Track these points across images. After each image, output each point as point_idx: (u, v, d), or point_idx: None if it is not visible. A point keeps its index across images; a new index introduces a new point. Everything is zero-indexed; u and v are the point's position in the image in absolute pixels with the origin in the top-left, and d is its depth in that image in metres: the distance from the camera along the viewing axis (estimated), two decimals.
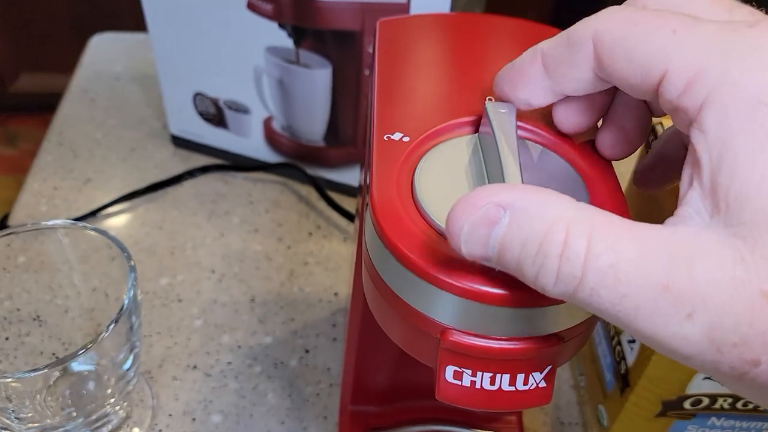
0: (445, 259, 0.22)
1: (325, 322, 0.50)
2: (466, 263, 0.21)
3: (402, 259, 0.22)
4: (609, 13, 0.21)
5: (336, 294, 0.52)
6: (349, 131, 0.55)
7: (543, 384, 0.23)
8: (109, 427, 0.42)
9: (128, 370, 0.40)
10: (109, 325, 0.35)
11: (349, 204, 0.57)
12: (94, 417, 0.40)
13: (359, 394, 0.40)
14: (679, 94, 0.19)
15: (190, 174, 0.60)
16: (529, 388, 0.23)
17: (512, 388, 0.23)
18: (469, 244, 0.20)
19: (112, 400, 0.41)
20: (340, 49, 0.50)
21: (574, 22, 0.22)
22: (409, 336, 0.24)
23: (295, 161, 0.59)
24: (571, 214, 0.18)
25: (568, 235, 0.18)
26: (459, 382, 0.23)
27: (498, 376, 0.23)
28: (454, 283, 0.21)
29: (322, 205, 0.59)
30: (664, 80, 0.20)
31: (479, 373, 0.23)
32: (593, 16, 0.22)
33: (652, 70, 0.20)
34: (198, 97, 0.58)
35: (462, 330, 0.23)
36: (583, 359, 0.47)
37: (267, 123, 0.57)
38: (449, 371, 0.23)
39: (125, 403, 0.43)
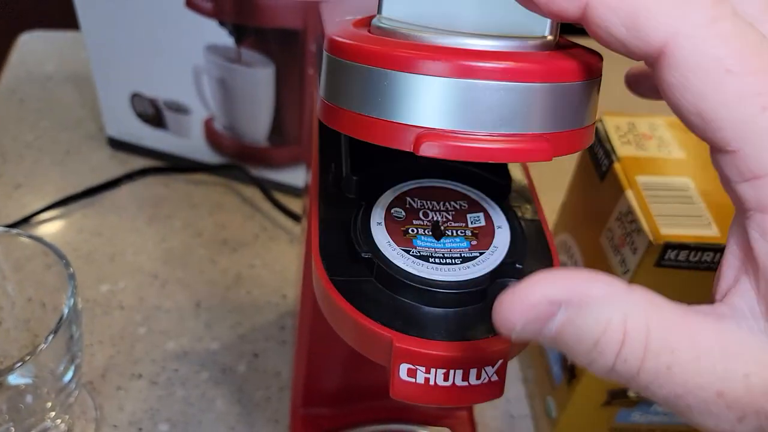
0: None
1: (273, 325, 0.49)
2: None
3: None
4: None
5: (284, 296, 0.51)
6: (293, 131, 0.54)
7: (495, 378, 0.23)
8: None
9: (69, 382, 0.39)
10: (48, 336, 0.34)
11: (295, 205, 0.57)
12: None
13: (310, 397, 0.40)
14: (743, 180, 0.18)
15: (129, 177, 0.58)
16: (482, 383, 0.23)
17: (465, 383, 0.23)
18: (521, 336, 0.19)
19: (53, 413, 0.39)
20: (283, 47, 0.50)
21: None
22: (362, 338, 0.24)
23: (238, 162, 0.58)
24: (627, 310, 0.18)
25: (626, 336, 0.18)
26: (413, 380, 0.23)
27: (451, 372, 0.23)
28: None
29: (267, 206, 0.58)
30: (733, 155, 0.18)
31: (433, 370, 0.23)
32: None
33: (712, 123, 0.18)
34: (135, 97, 0.56)
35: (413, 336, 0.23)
36: (531, 353, 0.48)
37: (208, 123, 0.56)
38: (403, 369, 0.23)
39: (66, 416, 0.41)
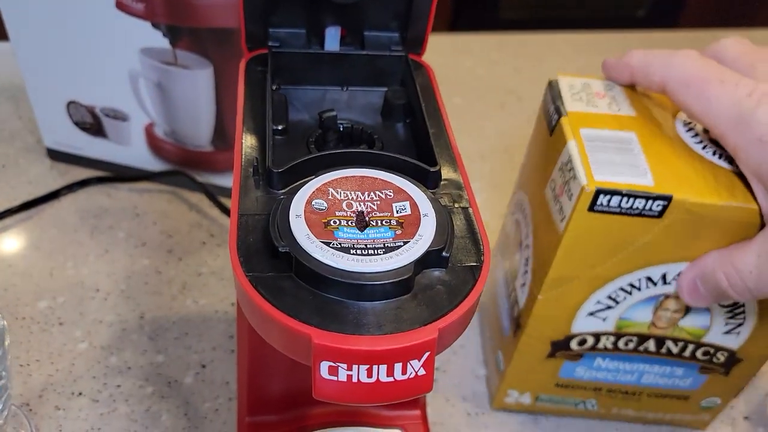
0: None
1: (221, 334, 0.47)
2: None
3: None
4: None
5: (233, 304, 0.50)
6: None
7: (422, 372, 0.22)
8: None
9: None
10: None
11: None
12: None
13: (256, 405, 0.38)
14: None
15: (69, 189, 0.56)
16: (408, 377, 0.22)
17: (390, 379, 0.22)
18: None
19: None
20: (220, 47, 0.48)
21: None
22: (282, 336, 0.23)
23: (182, 168, 0.56)
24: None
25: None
26: (335, 378, 0.22)
27: (375, 367, 0.22)
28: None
29: (214, 212, 0.56)
30: None
31: (355, 367, 0.22)
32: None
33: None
34: (72, 105, 0.54)
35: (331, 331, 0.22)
36: (486, 312, 0.48)
37: (149, 130, 0.54)
38: (324, 368, 0.22)
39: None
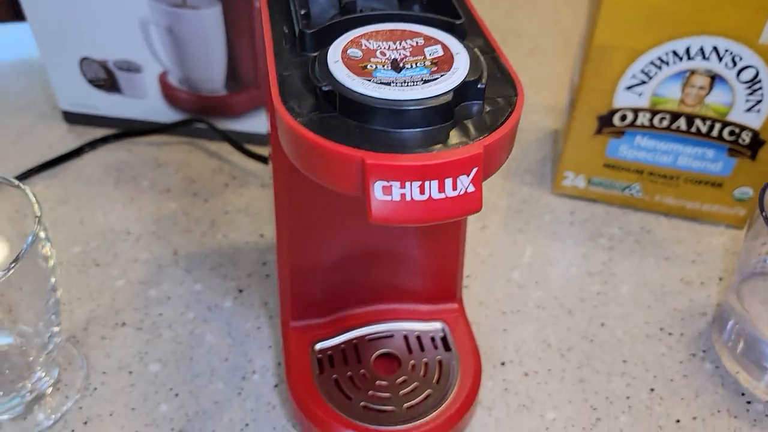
0: None
1: (254, 262, 0.48)
2: None
3: None
4: None
5: (262, 235, 0.50)
6: (249, 72, 0.54)
7: (471, 188, 0.23)
8: (37, 395, 0.39)
9: (48, 333, 0.37)
10: (11, 264, 0.32)
11: (262, 151, 0.56)
12: (19, 389, 0.38)
13: (299, 309, 0.39)
14: None
15: (91, 146, 0.57)
16: (458, 194, 0.23)
17: (442, 195, 0.23)
18: None
19: (38, 369, 0.38)
20: None
21: None
22: (334, 167, 0.24)
23: (198, 116, 0.57)
24: None
25: None
26: (389, 197, 0.23)
27: (427, 183, 0.23)
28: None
29: (234, 157, 0.57)
30: None
31: (408, 184, 0.23)
32: None
33: None
34: (85, 62, 0.55)
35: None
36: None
37: (162, 79, 0.55)
38: (378, 188, 0.23)
39: (53, 370, 0.40)
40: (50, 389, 0.39)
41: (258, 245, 0.50)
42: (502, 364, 0.42)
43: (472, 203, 0.23)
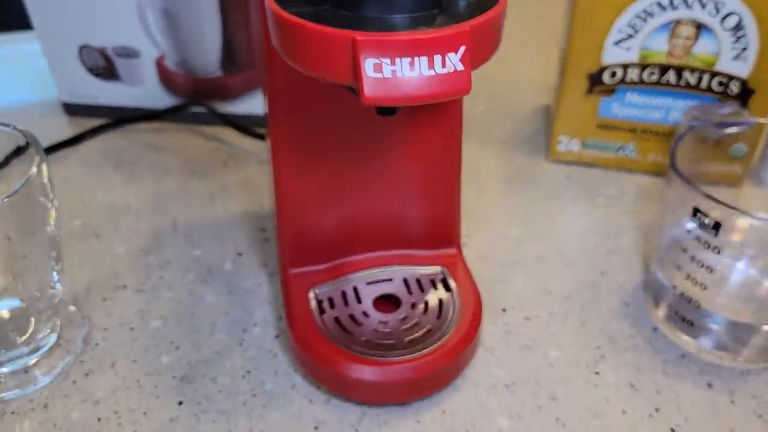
0: None
1: (254, 228, 0.49)
2: None
3: None
4: None
5: (261, 204, 0.51)
6: (244, 53, 0.55)
7: (460, 66, 0.24)
8: (40, 353, 0.39)
9: (52, 295, 0.38)
10: (3, 198, 0.33)
11: (259, 131, 0.57)
12: (22, 346, 0.38)
13: (298, 256, 0.39)
14: None
15: (90, 134, 0.58)
16: (447, 72, 0.24)
17: (432, 72, 0.24)
18: None
19: (41, 327, 0.38)
20: None
21: None
22: (325, 50, 0.24)
23: (195, 100, 0.58)
24: None
25: None
26: (380, 74, 0.23)
27: (416, 60, 0.23)
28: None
29: (232, 138, 0.58)
30: None
31: (398, 60, 0.23)
32: None
33: None
34: (84, 50, 0.56)
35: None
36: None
37: (160, 63, 0.56)
38: (369, 65, 0.23)
39: (55, 328, 0.40)
40: (52, 346, 0.39)
41: (257, 214, 0.50)
42: (503, 310, 0.42)
43: (461, 82, 0.24)
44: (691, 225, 0.35)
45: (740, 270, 0.36)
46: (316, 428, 0.36)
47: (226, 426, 0.36)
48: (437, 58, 0.24)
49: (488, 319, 0.41)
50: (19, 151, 0.38)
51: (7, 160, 0.38)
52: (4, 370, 0.38)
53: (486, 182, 0.53)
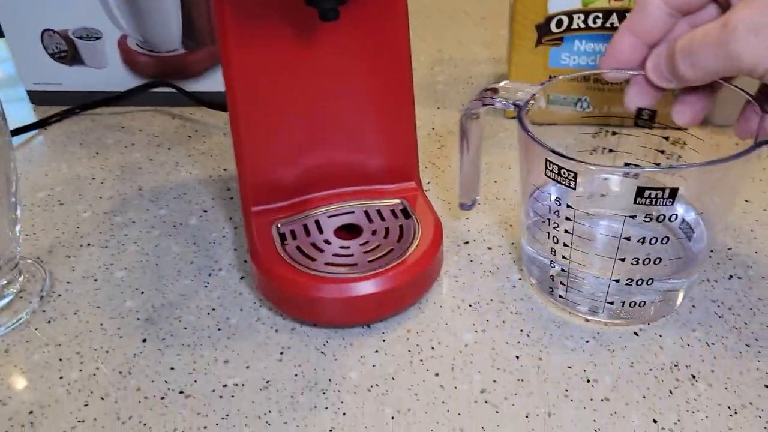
0: None
1: (219, 188, 0.49)
2: None
3: None
4: None
5: (225, 169, 0.51)
6: (205, 28, 0.56)
7: None
8: (0, 304, 0.38)
9: (9, 246, 0.38)
10: None
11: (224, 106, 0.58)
12: None
13: (259, 194, 0.40)
14: None
15: (56, 118, 0.58)
16: None
17: None
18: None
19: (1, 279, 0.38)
20: None
21: None
22: None
23: (159, 79, 0.59)
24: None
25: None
26: None
27: None
28: None
29: (197, 115, 0.59)
30: None
31: None
32: None
33: None
34: (46, 34, 0.57)
35: None
36: None
37: (122, 44, 0.57)
38: None
39: (16, 280, 0.39)
40: (13, 298, 0.39)
41: (222, 177, 0.50)
42: (466, 242, 0.43)
43: None
44: (551, 186, 0.34)
45: (605, 226, 0.34)
46: (281, 353, 0.35)
47: (190, 358, 0.35)
48: None
49: (452, 251, 0.42)
50: None
51: None
52: None
53: (446, 139, 0.54)
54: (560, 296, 0.37)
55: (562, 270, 0.36)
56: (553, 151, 0.32)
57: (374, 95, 0.39)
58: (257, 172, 0.39)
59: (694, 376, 0.33)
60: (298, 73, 0.37)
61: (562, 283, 0.36)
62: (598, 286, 0.35)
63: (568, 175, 0.32)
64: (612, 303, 0.35)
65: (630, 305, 0.35)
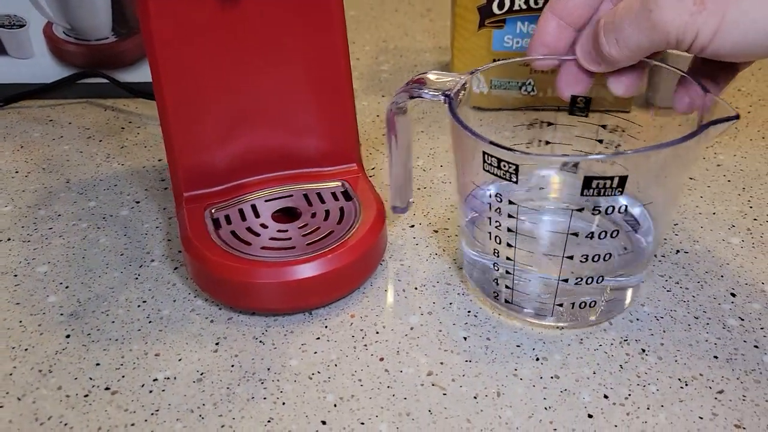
0: None
1: (152, 179, 0.47)
2: None
3: None
4: None
5: (160, 160, 0.49)
6: (135, 14, 0.53)
7: None
8: None
9: None
10: None
11: None
12: None
13: (191, 178, 0.37)
14: None
15: None
16: None
17: None
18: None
19: None
20: None
21: None
22: None
23: (89, 69, 0.56)
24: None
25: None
26: None
27: None
28: None
29: (131, 106, 0.56)
30: None
31: None
32: None
33: None
34: None
35: None
36: None
37: (48, 32, 0.54)
38: None
39: None
40: None
41: (156, 167, 0.48)
42: (411, 226, 0.41)
43: None
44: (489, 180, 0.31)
45: (550, 221, 0.33)
46: (217, 344, 0.33)
47: (118, 352, 0.33)
48: None
49: (397, 234, 0.40)
50: None
51: None
52: None
53: None
54: (506, 300, 0.34)
55: (506, 272, 0.33)
56: (491, 143, 0.29)
57: (308, 74, 0.37)
58: (187, 155, 0.37)
59: (644, 350, 0.32)
60: (226, 51, 0.35)
61: (507, 287, 0.34)
62: (545, 287, 0.33)
63: (509, 168, 0.29)
64: (561, 305, 0.33)
65: (580, 306, 0.33)
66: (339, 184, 0.39)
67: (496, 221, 0.32)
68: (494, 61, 0.52)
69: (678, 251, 0.39)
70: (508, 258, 0.32)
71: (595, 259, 0.31)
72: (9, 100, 0.56)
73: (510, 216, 0.31)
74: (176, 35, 0.34)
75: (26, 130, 0.53)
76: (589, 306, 0.33)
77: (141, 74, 0.56)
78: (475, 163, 0.30)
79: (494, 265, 0.34)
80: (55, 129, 0.53)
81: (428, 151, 0.49)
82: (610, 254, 0.31)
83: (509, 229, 0.32)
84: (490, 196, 0.32)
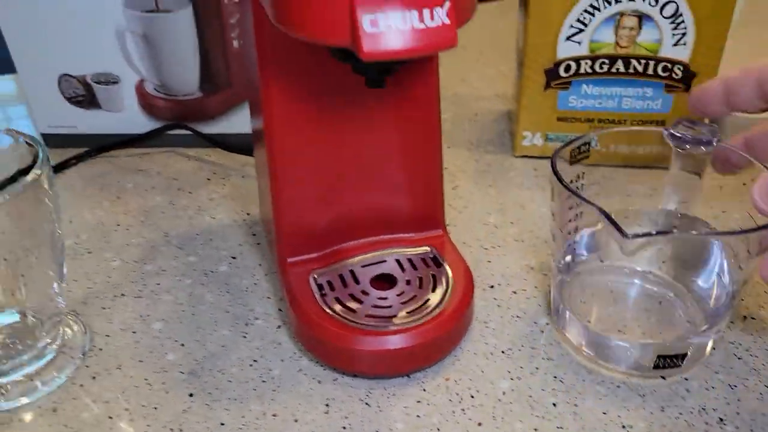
0: None
1: (244, 234, 0.50)
2: None
3: None
4: None
5: (248, 214, 0.52)
6: (221, 72, 0.57)
7: (447, 20, 0.27)
8: (44, 361, 0.39)
9: (54, 307, 0.38)
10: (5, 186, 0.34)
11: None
12: (24, 356, 0.38)
13: (295, 245, 0.41)
14: None
15: (74, 160, 0.59)
16: (436, 25, 0.27)
17: (422, 25, 0.26)
18: None
19: (43, 336, 0.39)
20: None
21: None
22: (324, 14, 0.27)
23: (175, 122, 0.60)
24: None
25: None
26: (376, 29, 0.26)
27: (407, 13, 0.26)
28: None
29: (214, 157, 0.60)
30: None
31: (392, 14, 0.26)
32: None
33: None
34: (63, 79, 0.58)
35: None
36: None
37: (140, 89, 0.58)
38: (366, 21, 0.26)
39: (57, 337, 0.40)
40: (56, 354, 0.40)
41: (246, 221, 0.52)
42: (491, 286, 0.44)
43: (449, 35, 0.27)
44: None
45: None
46: (327, 405, 0.37)
47: (239, 412, 0.37)
48: (426, 12, 0.26)
49: (478, 296, 0.44)
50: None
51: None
52: (8, 379, 0.38)
53: (459, 179, 0.56)
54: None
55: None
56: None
57: (405, 146, 0.41)
58: (293, 225, 0.41)
59: (721, 419, 0.35)
60: (333, 112, 0.38)
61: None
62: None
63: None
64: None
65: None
66: (428, 249, 0.42)
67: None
68: (559, 120, 0.55)
69: (745, 318, 0.41)
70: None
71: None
72: (101, 149, 0.60)
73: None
74: (293, 114, 0.37)
75: (119, 180, 0.57)
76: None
77: (223, 126, 0.59)
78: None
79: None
80: (145, 179, 0.57)
81: (499, 206, 0.52)
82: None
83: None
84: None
